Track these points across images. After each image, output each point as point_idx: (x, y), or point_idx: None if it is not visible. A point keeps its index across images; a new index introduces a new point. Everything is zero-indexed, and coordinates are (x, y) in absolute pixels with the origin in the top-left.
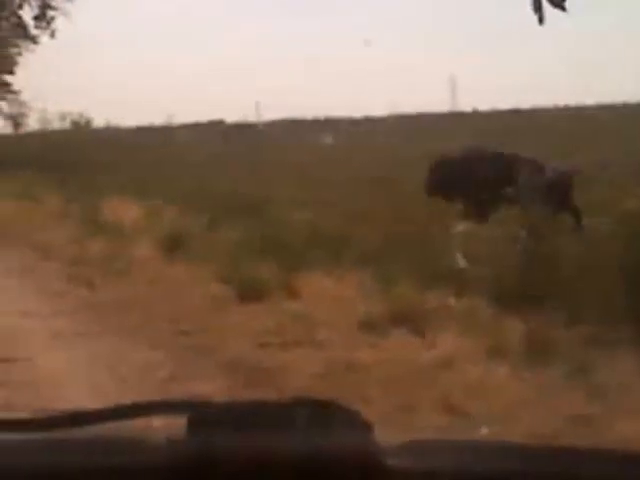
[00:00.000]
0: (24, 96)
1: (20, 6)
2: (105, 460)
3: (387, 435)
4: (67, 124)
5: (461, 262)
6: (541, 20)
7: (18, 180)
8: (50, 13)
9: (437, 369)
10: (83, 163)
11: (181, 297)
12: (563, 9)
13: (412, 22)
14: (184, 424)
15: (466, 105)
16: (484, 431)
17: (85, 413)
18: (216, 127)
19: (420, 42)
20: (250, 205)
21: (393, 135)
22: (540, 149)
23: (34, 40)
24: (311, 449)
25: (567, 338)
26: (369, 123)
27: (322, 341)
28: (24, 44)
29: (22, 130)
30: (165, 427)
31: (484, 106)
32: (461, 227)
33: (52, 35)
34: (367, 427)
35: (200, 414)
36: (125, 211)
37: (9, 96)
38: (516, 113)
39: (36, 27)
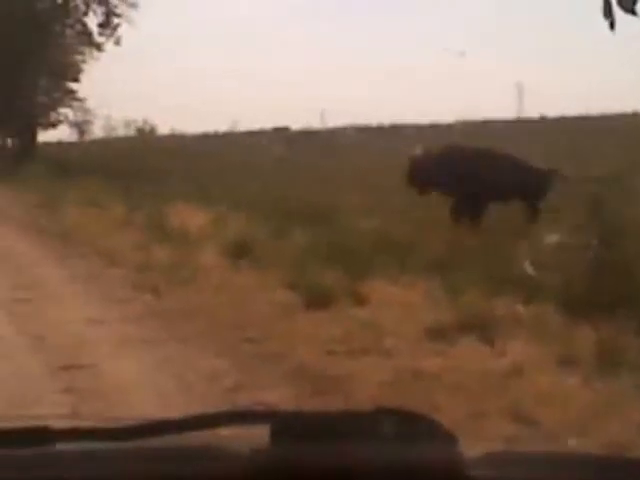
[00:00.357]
0: (89, 103)
1: (85, 13)
2: (188, 469)
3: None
4: (132, 131)
5: (529, 269)
6: (612, 25)
7: (83, 187)
8: (114, 20)
9: (506, 377)
10: (148, 170)
11: (247, 304)
12: (634, 13)
13: (479, 28)
14: (267, 433)
15: (533, 112)
16: (572, 443)
17: (168, 422)
18: (281, 134)
19: (487, 49)
20: (316, 212)
21: (460, 142)
22: (610, 155)
23: (99, 47)
24: (396, 459)
25: (639, 347)
26: (435, 130)
27: (389, 349)
28: (89, 51)
29: (87, 137)
30: (247, 436)
31: (552, 113)
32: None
33: (117, 42)
34: (451, 438)
35: (283, 424)
36: (190, 218)
37: (74, 104)
38: (584, 120)
39: (100, 34)
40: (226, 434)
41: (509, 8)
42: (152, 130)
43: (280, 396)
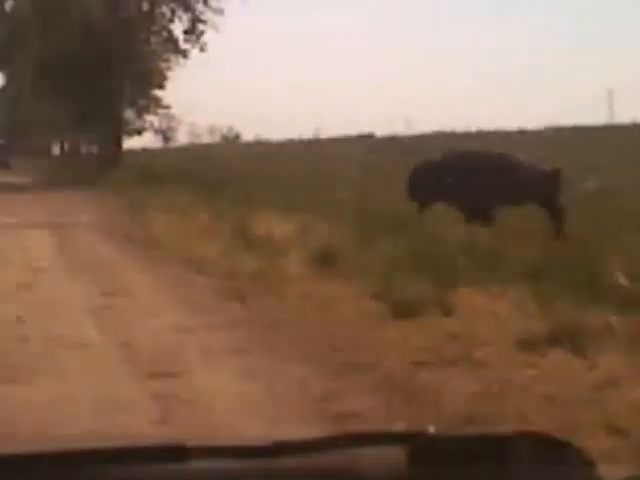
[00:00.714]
0: (174, 110)
1: (170, 20)
2: None
3: None
4: (216, 138)
5: (622, 279)
6: None
7: (169, 194)
8: (200, 27)
9: (599, 390)
10: (232, 176)
11: (334, 313)
12: None
13: (568, 34)
14: (402, 456)
15: (625, 118)
16: None
17: (302, 442)
18: (365, 140)
19: (577, 54)
20: (401, 219)
21: (548, 148)
22: None
23: (184, 54)
24: None
25: None
26: (523, 136)
27: (478, 359)
28: (174, 58)
29: (171, 144)
30: (382, 458)
31: None
32: None
33: (202, 49)
34: (590, 463)
35: (420, 446)
36: (275, 225)
37: (159, 111)
38: None
39: (186, 41)
40: (359, 455)
41: (601, 13)
42: (237, 137)
43: (368, 406)
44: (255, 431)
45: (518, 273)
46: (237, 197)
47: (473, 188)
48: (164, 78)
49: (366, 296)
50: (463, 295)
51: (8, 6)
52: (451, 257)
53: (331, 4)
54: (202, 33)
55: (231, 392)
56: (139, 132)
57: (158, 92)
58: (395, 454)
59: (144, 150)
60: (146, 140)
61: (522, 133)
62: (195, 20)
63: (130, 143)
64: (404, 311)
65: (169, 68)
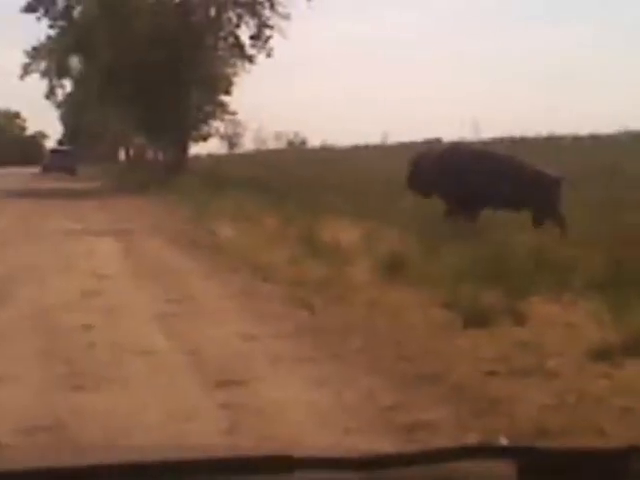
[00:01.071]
0: (240, 116)
1: (237, 26)
2: None
3: None
4: (282, 144)
5: None
6: None
7: (234, 200)
8: (266, 32)
9: None
10: (298, 183)
11: (402, 322)
12: None
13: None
14: (512, 469)
15: None
16: None
17: (408, 454)
18: (434, 146)
19: None
20: (469, 226)
21: (622, 153)
22: None
23: (250, 59)
24: None
25: None
26: (595, 141)
27: (552, 370)
28: (240, 64)
29: (237, 150)
30: (491, 471)
31: None
32: None
33: (268, 54)
34: None
35: (531, 460)
36: (342, 232)
37: (226, 116)
38: None
39: (252, 46)
40: (467, 469)
41: None
42: (303, 142)
43: (439, 416)
44: (325, 441)
45: (592, 281)
46: (303, 203)
47: (471, 186)
48: (230, 84)
49: (435, 304)
50: (534, 304)
51: (76, 12)
52: (521, 265)
53: (397, 7)
54: (269, 38)
55: (299, 401)
56: (205, 138)
57: (224, 98)
58: (505, 468)
59: (210, 156)
60: (212, 146)
61: (594, 138)
62: (262, 25)
63: (196, 149)
64: (474, 320)
65: (235, 74)
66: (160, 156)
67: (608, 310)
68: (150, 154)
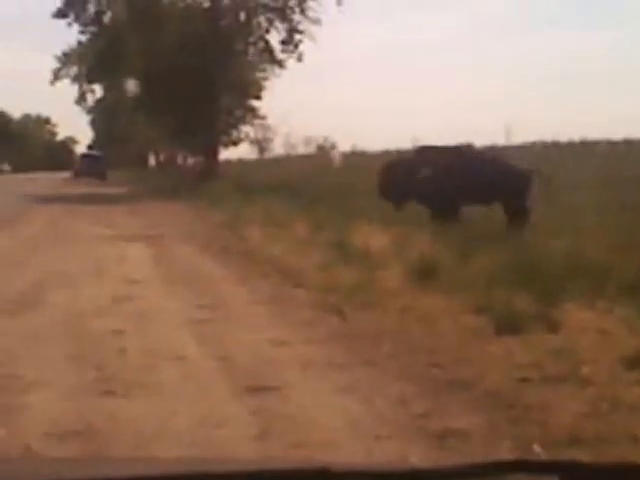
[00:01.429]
0: (270, 121)
1: (267, 30)
2: None
3: None
4: (312, 148)
5: None
6: None
7: (265, 205)
8: (297, 37)
9: None
10: (329, 188)
11: (434, 328)
12: None
13: None
14: None
15: None
16: None
17: (448, 468)
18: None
19: None
20: (500, 231)
21: None
22: None
23: (280, 64)
24: None
25: None
26: (630, 146)
27: (585, 377)
28: (270, 68)
29: (267, 155)
30: None
31: None
32: None
33: (299, 59)
34: None
35: (573, 475)
36: (373, 237)
37: (256, 121)
38: None
39: (282, 51)
40: None
41: None
42: (333, 147)
43: (471, 424)
44: (356, 448)
45: (625, 287)
46: (334, 209)
47: (442, 185)
48: (260, 88)
49: (467, 310)
50: (568, 311)
51: (106, 18)
52: (554, 270)
53: (429, 12)
54: (299, 43)
55: (330, 407)
56: (235, 143)
57: (254, 102)
58: None
59: (240, 161)
60: (242, 151)
61: (628, 143)
62: (292, 30)
63: (226, 154)
64: (507, 326)
65: (265, 78)
66: (190, 161)
67: None
68: (180, 159)
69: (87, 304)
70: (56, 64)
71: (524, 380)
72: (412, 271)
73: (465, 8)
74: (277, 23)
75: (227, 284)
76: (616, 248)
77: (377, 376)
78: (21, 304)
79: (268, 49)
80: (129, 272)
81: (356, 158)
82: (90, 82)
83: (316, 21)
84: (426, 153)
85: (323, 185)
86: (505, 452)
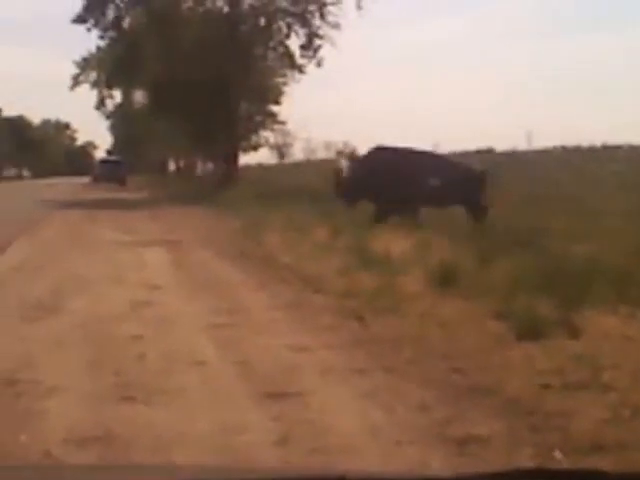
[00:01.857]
0: (289, 126)
1: (287, 35)
2: None
3: None
4: (332, 153)
5: None
6: None
7: (285, 210)
8: (316, 42)
9: None
10: None
11: (455, 334)
12: None
13: None
14: None
15: None
16: None
17: (461, 478)
18: (485, 156)
19: None
20: (525, 237)
21: None
22: None
23: (300, 69)
24: None
25: None
26: None
27: (607, 383)
28: (290, 73)
29: (287, 160)
30: None
31: None
32: None
33: (319, 64)
34: None
35: None
36: (392, 242)
37: (275, 126)
38: None
39: (302, 56)
40: None
41: None
42: (353, 152)
43: (492, 430)
44: (377, 454)
45: None
46: (354, 214)
47: (395, 186)
48: (280, 93)
49: (488, 316)
50: (590, 316)
51: (125, 23)
52: (576, 276)
53: (449, 16)
54: (319, 48)
55: (351, 413)
56: (255, 148)
57: (274, 108)
58: None
59: (260, 166)
60: (261, 156)
61: None
62: (312, 35)
63: (246, 159)
64: (528, 332)
65: (285, 83)
66: (210, 166)
67: None
68: (200, 165)
69: (106, 309)
70: (76, 70)
71: (545, 386)
72: (432, 276)
73: (487, 13)
74: (297, 28)
75: (246, 289)
76: (638, 253)
77: (397, 382)
78: (40, 309)
79: (288, 54)
80: (148, 277)
81: None
82: (109, 87)
83: (336, 26)
84: (379, 154)
85: None
86: (526, 459)
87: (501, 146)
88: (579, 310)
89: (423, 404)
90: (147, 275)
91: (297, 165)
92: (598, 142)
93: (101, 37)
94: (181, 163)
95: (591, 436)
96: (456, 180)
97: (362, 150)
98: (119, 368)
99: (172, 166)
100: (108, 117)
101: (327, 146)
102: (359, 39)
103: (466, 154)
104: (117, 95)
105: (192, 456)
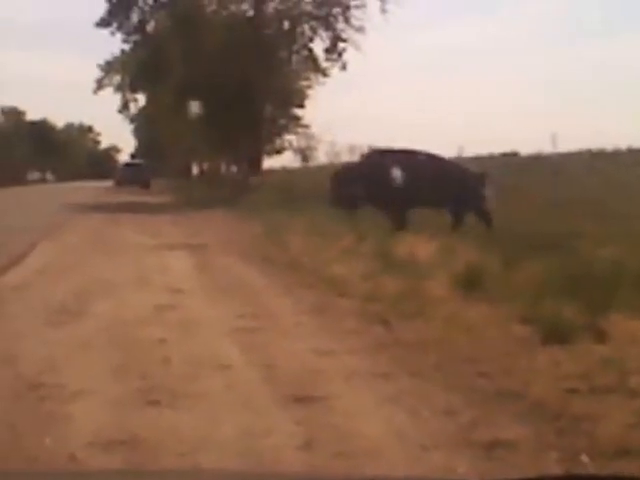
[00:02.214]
0: (313, 129)
1: (311, 39)
2: None
3: None
4: (356, 157)
5: None
6: None
7: (308, 214)
8: (341, 45)
9: None
10: None
11: (480, 338)
12: None
13: None
14: None
15: None
16: None
17: None
18: (509, 159)
19: None
20: (550, 241)
21: None
22: None
23: (324, 73)
24: None
25: None
26: None
27: (634, 388)
28: (314, 77)
29: (311, 163)
30: None
31: None
32: None
33: (343, 67)
34: None
35: None
36: (417, 247)
37: (299, 130)
38: None
39: (326, 60)
40: None
41: None
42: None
43: (518, 435)
44: (402, 458)
45: None
46: (379, 218)
47: (395, 190)
48: (304, 97)
49: (513, 320)
50: (616, 321)
51: (149, 27)
52: (602, 280)
53: (472, 20)
54: (343, 51)
55: (375, 417)
56: (279, 151)
57: (298, 111)
58: None
59: (284, 169)
60: (285, 159)
61: None
62: (336, 38)
63: (270, 162)
64: (554, 336)
65: (309, 87)
66: (234, 170)
67: None
68: (224, 168)
69: (130, 313)
70: (99, 73)
71: (571, 391)
72: (457, 280)
73: (513, 16)
74: (321, 31)
75: (270, 293)
76: None
77: (423, 386)
78: (64, 313)
79: (312, 58)
80: (172, 281)
81: None
82: (133, 91)
83: (360, 29)
84: (376, 157)
85: None
86: (553, 463)
87: (526, 150)
88: (605, 314)
89: (449, 408)
90: (171, 279)
91: (321, 169)
92: (623, 145)
93: (125, 40)
94: (204, 167)
95: (618, 441)
96: (454, 182)
97: None
98: (144, 372)
99: (195, 170)
100: (132, 120)
101: (351, 149)
102: (384, 42)
103: (491, 158)
104: (141, 98)
105: (217, 460)
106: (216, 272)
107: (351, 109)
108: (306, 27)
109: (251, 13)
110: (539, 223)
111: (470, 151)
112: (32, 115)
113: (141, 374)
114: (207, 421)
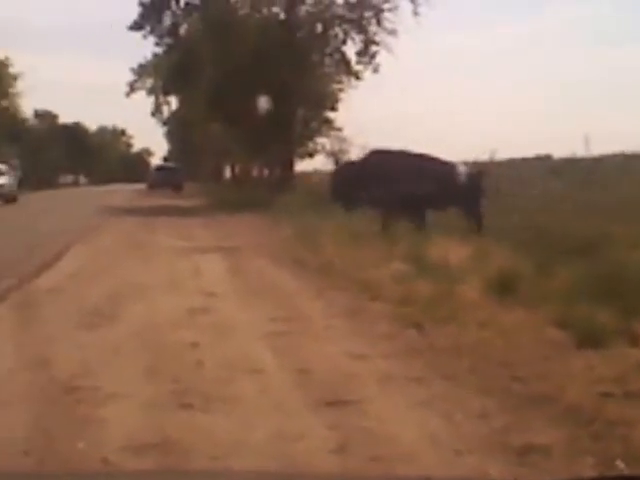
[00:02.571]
0: (345, 132)
1: (343, 42)
2: None
3: None
4: None
5: None
6: None
7: (340, 218)
8: (373, 48)
9: None
10: None
11: (514, 342)
12: None
13: None
14: None
15: None
16: None
17: None
18: (543, 162)
19: None
20: (585, 244)
21: None
22: None
23: (357, 76)
24: None
25: None
26: None
27: None
28: (346, 80)
29: None
30: None
31: None
32: None
33: (375, 70)
34: None
35: None
36: (450, 250)
37: (331, 133)
38: None
39: (359, 62)
40: None
41: None
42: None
43: (552, 439)
44: (436, 462)
45: None
46: (411, 222)
47: (394, 191)
48: (336, 100)
49: (547, 324)
50: None
51: (182, 30)
52: (637, 283)
53: (505, 22)
54: (375, 54)
55: (409, 422)
56: (311, 155)
57: (330, 114)
58: None
59: (316, 172)
60: (317, 162)
61: None
62: (368, 41)
63: (302, 166)
64: (588, 340)
65: (341, 90)
66: (266, 173)
67: None
68: (256, 171)
69: (163, 316)
70: (132, 76)
71: (606, 395)
72: (491, 284)
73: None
74: (353, 34)
75: (302, 297)
76: None
77: (456, 390)
78: (97, 316)
79: (344, 60)
80: (204, 284)
81: None
82: (165, 94)
83: (392, 32)
84: (375, 157)
85: None
86: (587, 468)
87: (559, 152)
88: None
89: (483, 412)
90: (203, 282)
91: None
92: None
93: (157, 44)
94: (237, 170)
95: None
96: (452, 182)
97: None
98: (177, 375)
99: (228, 173)
100: (164, 124)
101: None
102: (416, 45)
103: (525, 160)
104: (173, 101)
105: (249, 463)
106: (248, 275)
107: (383, 112)
108: (338, 30)
109: (283, 16)
110: (573, 226)
111: (503, 154)
112: (65, 119)
113: (174, 377)
114: (240, 424)
